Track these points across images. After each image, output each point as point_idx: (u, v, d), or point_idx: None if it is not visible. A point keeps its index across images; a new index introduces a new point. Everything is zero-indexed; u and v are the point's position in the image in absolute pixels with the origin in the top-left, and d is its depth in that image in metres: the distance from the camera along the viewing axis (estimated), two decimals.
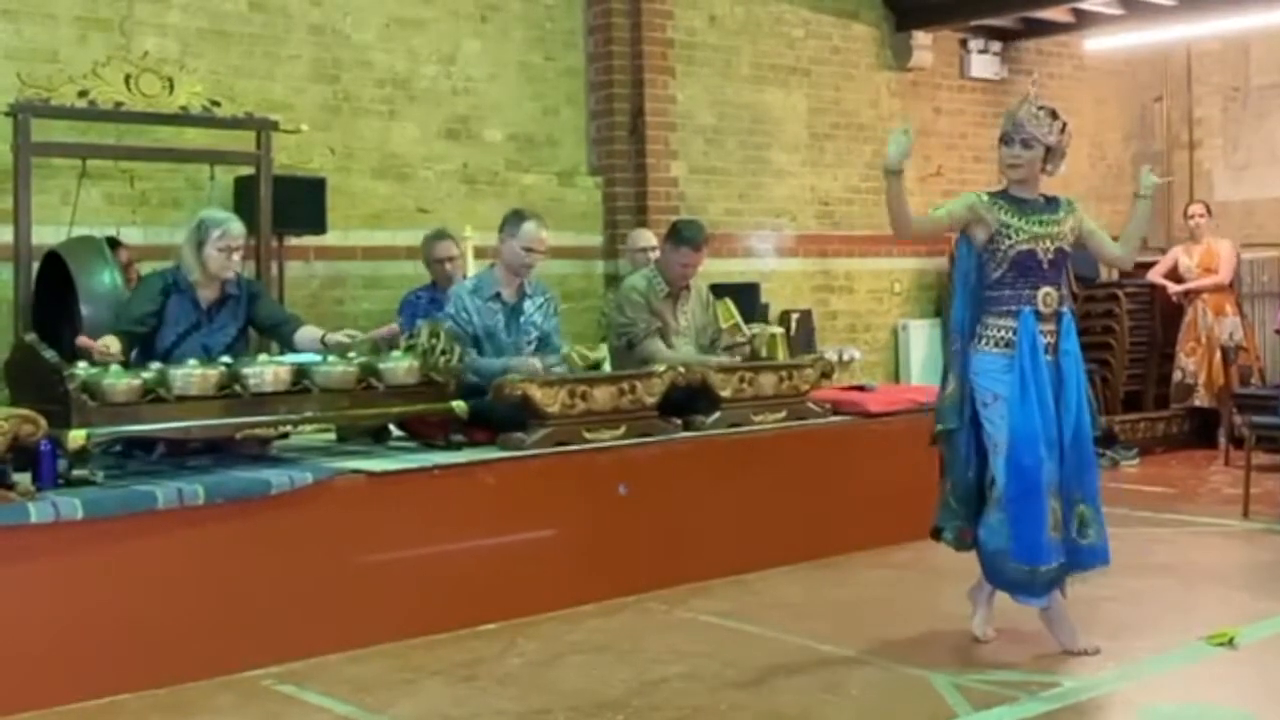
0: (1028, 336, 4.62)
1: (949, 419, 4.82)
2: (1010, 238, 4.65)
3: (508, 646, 4.95)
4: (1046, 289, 4.67)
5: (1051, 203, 4.77)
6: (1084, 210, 4.87)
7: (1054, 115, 4.72)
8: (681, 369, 5.98)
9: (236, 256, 5.37)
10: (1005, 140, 4.69)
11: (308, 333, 5.50)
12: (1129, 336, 9.82)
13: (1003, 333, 4.66)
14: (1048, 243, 4.66)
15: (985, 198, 4.71)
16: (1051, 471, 4.59)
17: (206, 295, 5.40)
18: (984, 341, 4.70)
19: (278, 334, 5.60)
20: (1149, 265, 10.10)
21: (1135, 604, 4.66)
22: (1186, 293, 9.85)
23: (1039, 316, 4.65)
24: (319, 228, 6.88)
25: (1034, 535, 4.61)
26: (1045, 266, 4.66)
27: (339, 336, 5.41)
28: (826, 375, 6.67)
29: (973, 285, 4.75)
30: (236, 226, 5.38)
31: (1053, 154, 4.70)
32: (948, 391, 4.83)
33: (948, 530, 4.94)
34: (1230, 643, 4.82)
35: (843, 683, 4.48)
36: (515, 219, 5.97)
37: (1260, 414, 7.48)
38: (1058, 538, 4.61)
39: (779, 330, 7.00)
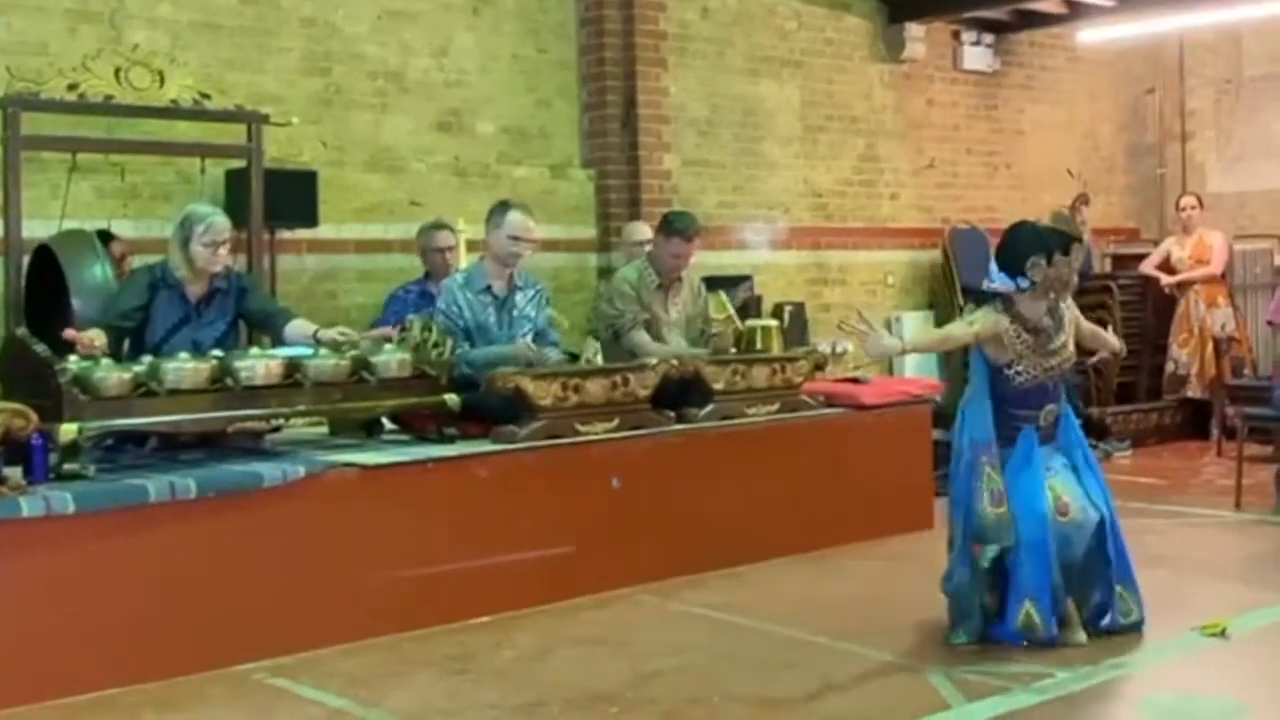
0: (1023, 451, 4.75)
1: (1004, 536, 4.70)
2: (1021, 373, 4.75)
3: (500, 640, 4.94)
4: (1050, 407, 4.81)
5: (1057, 317, 4.81)
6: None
7: None
8: (674, 362, 5.98)
9: (223, 251, 5.35)
10: (1076, 278, 4.84)
11: (298, 326, 5.48)
12: (1122, 328, 9.77)
13: (1008, 444, 4.77)
14: (1054, 372, 4.79)
15: (1008, 323, 4.74)
16: (1031, 575, 4.64)
17: (195, 290, 5.39)
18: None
19: (269, 327, 5.59)
20: (1142, 257, 10.11)
21: None
22: (1179, 284, 9.88)
23: (1039, 429, 4.79)
24: (311, 221, 6.85)
25: (1007, 624, 4.72)
26: (1050, 388, 4.80)
27: (332, 334, 5.39)
28: (819, 367, 6.65)
29: (990, 397, 4.79)
30: (221, 221, 5.35)
31: None
32: (996, 510, 4.69)
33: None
34: (1223, 633, 4.83)
35: (836, 675, 4.48)
36: (501, 209, 5.96)
37: (1252, 405, 7.49)
38: (1033, 634, 4.66)
39: (773, 323, 6.98)
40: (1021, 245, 4.73)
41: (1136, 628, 4.76)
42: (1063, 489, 4.71)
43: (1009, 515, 4.66)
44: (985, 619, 4.77)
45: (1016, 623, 4.65)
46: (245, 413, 4.99)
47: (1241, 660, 4.68)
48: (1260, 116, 11.03)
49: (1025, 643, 4.65)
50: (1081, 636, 4.70)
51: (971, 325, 4.81)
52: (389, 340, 5.51)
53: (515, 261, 5.96)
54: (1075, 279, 4.84)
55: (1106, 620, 4.75)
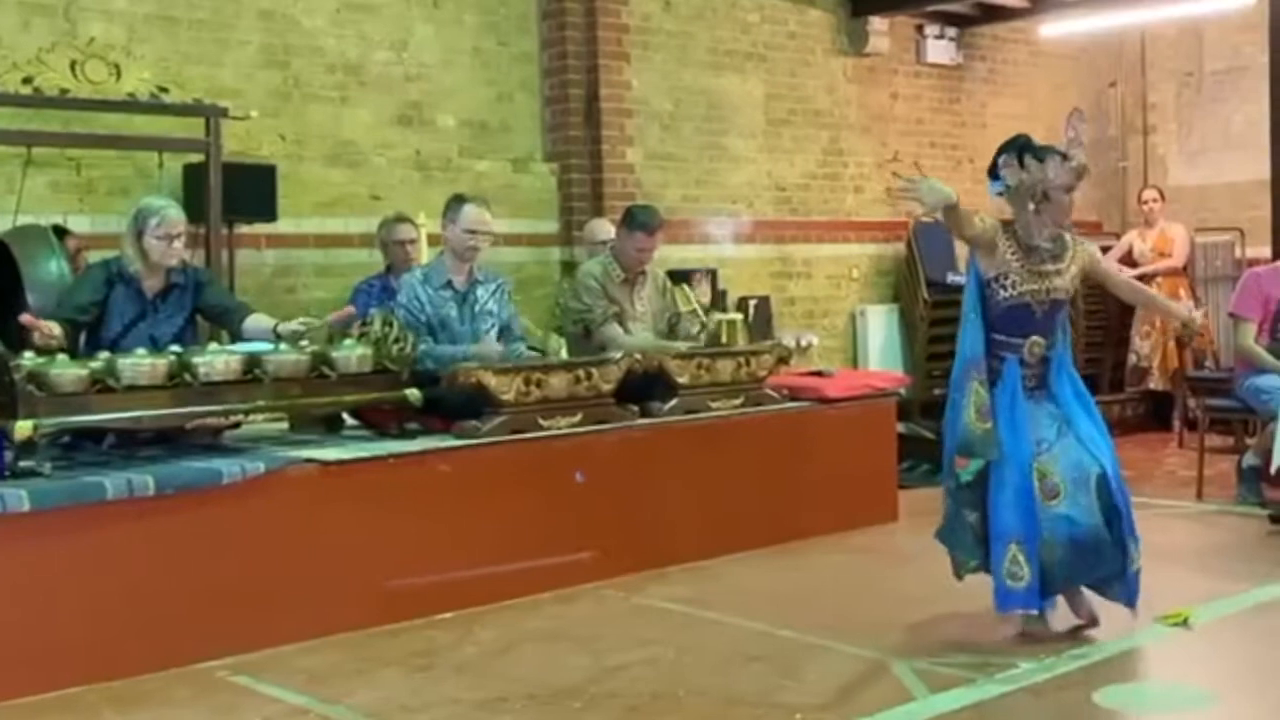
0: (1009, 382, 4.66)
1: (988, 450, 4.66)
2: (1006, 288, 4.67)
3: (464, 635, 4.93)
4: (1035, 338, 4.68)
5: (1063, 248, 4.74)
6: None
7: None
8: (638, 356, 5.96)
9: (178, 244, 5.29)
10: (1068, 190, 4.69)
11: (257, 321, 5.44)
12: (1085, 320, 9.88)
13: (994, 375, 4.70)
14: (1043, 295, 4.68)
15: (1004, 235, 4.69)
16: (1014, 517, 4.59)
17: (151, 285, 5.34)
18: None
19: (226, 321, 5.54)
20: (1105, 250, 10.13)
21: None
22: (1141, 277, 9.91)
23: (1023, 363, 4.69)
24: (270, 215, 6.79)
25: (996, 579, 4.66)
26: (1038, 316, 4.68)
27: (293, 326, 5.34)
28: (784, 361, 6.65)
29: (981, 316, 4.73)
30: (174, 213, 5.30)
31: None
32: (982, 425, 4.63)
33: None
34: (1185, 623, 4.87)
35: (801, 668, 4.48)
36: (455, 204, 5.94)
37: (1213, 397, 7.52)
38: (1019, 587, 4.60)
39: (737, 317, 6.97)
40: (999, 149, 4.74)
41: (1137, 580, 4.69)
42: (1051, 467, 4.60)
43: (994, 432, 4.61)
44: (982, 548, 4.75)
45: (1003, 566, 4.59)
46: (204, 409, 4.94)
47: (1204, 649, 4.72)
48: (1221, 109, 11.09)
49: (1012, 600, 4.60)
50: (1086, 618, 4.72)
51: (982, 220, 4.71)
52: (352, 318, 5.46)
53: (473, 255, 5.93)
54: (1067, 200, 4.69)
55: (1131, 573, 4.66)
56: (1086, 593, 4.77)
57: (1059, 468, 4.60)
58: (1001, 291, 4.67)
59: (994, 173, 4.74)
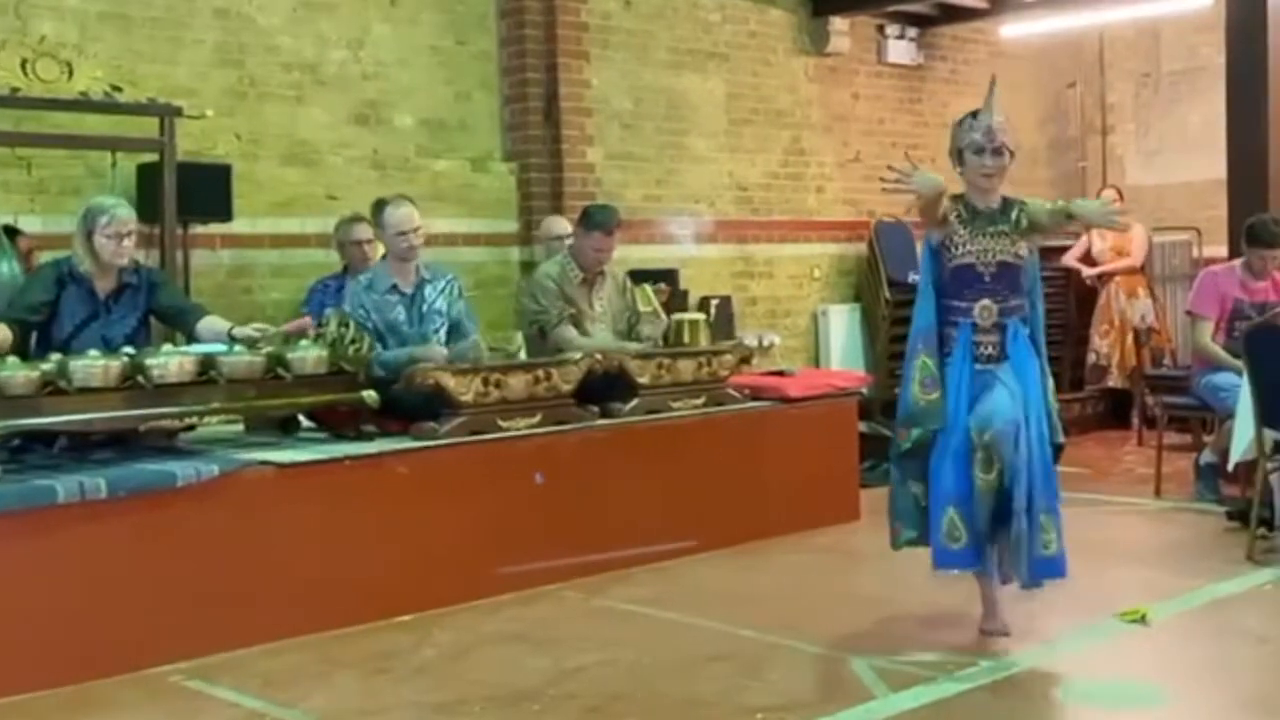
0: (960, 348, 4.62)
1: (932, 420, 4.64)
2: (952, 250, 4.65)
3: (423, 638, 4.89)
4: (985, 302, 4.62)
5: (1007, 209, 4.70)
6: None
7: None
8: (598, 356, 5.93)
9: (128, 243, 5.24)
10: (976, 150, 4.63)
11: (211, 324, 5.39)
12: (1044, 320, 9.88)
13: (949, 344, 4.67)
14: (988, 257, 4.62)
15: (952, 201, 4.67)
16: (954, 481, 4.57)
17: (103, 285, 5.28)
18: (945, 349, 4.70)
19: (180, 323, 5.48)
20: (1064, 249, 10.20)
21: (1051, 583, 4.68)
22: (1100, 276, 9.99)
23: (976, 329, 4.63)
24: (225, 215, 6.73)
25: (934, 539, 4.64)
26: (987, 279, 4.62)
27: (248, 330, 5.30)
28: (745, 361, 6.65)
29: (934, 287, 4.71)
30: (123, 211, 5.24)
31: (1012, 159, 4.70)
32: (927, 396, 4.64)
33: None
34: (1143, 619, 4.88)
35: (762, 668, 4.47)
36: (378, 209, 5.94)
37: (1171, 395, 7.56)
38: (956, 547, 4.58)
39: (699, 316, 6.95)
40: None
41: (1056, 567, 4.56)
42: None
43: (940, 403, 4.60)
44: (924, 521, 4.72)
45: (941, 529, 4.58)
46: (158, 411, 4.89)
47: (1162, 646, 4.73)
48: (1178, 110, 11.16)
49: (949, 558, 4.59)
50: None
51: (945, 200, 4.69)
52: (307, 328, 5.41)
53: (413, 255, 5.87)
54: (978, 160, 4.61)
55: (1026, 551, 4.51)
56: (1002, 602, 4.74)
57: (992, 426, 4.52)
58: (947, 255, 4.66)
59: (1002, 149, 4.69)
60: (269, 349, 5.17)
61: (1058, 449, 4.73)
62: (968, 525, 4.55)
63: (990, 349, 4.64)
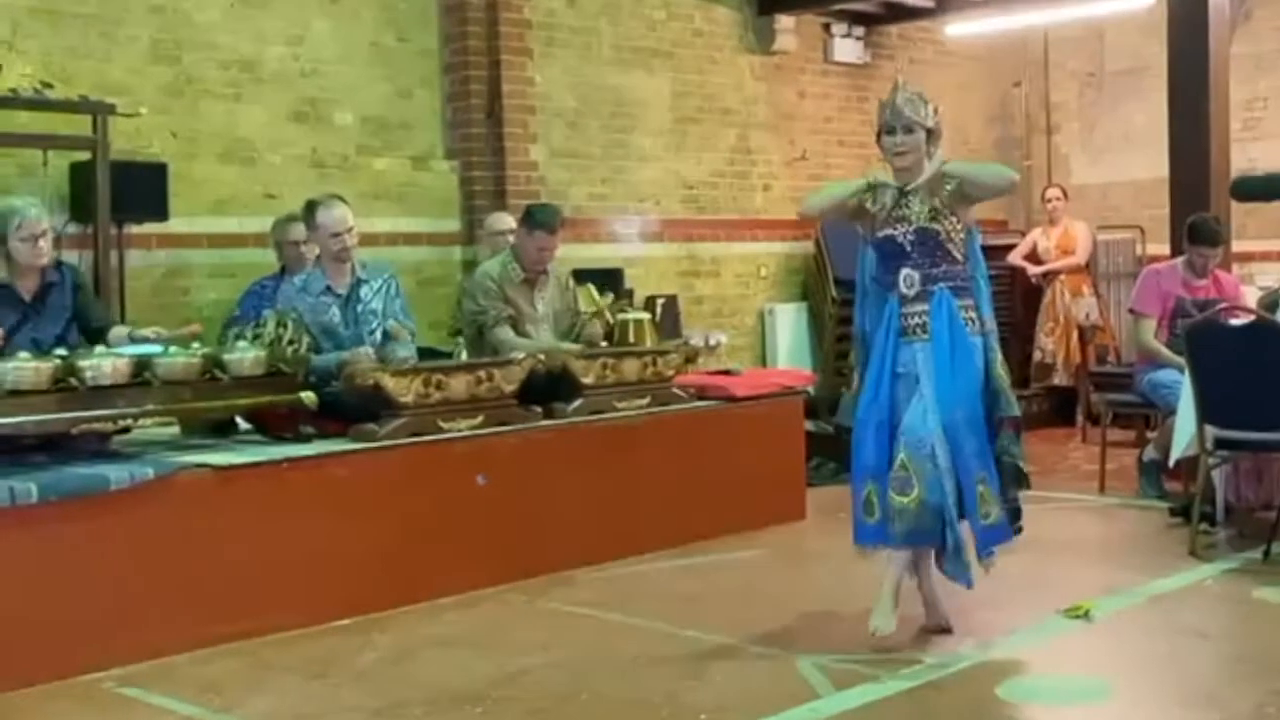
0: (887, 320, 4.63)
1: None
2: (876, 227, 4.66)
3: (363, 642, 4.83)
4: (906, 271, 4.61)
5: (934, 186, 4.65)
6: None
7: (927, 99, 4.68)
8: (541, 356, 5.88)
9: (43, 243, 5.15)
10: (887, 130, 4.63)
11: (118, 333, 5.34)
12: (989, 297, 9.93)
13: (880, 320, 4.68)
14: (905, 226, 4.61)
15: (871, 188, 4.68)
16: (872, 455, 4.57)
17: (27, 286, 5.20)
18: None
19: (91, 334, 5.38)
20: (1010, 248, 10.26)
21: (994, 580, 4.68)
22: (1045, 274, 10.05)
23: (903, 299, 4.62)
24: (161, 215, 6.65)
25: (854, 512, 4.65)
26: (908, 249, 4.61)
27: (145, 333, 5.24)
28: (691, 360, 6.62)
29: (872, 283, 4.74)
30: (34, 212, 5.16)
31: (933, 137, 4.66)
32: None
33: None
34: (1086, 615, 4.90)
35: (706, 668, 4.44)
36: (309, 212, 5.81)
37: (1116, 392, 7.61)
38: (872, 522, 4.58)
39: (645, 316, 6.92)
40: None
41: (996, 532, 4.52)
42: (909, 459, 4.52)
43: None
44: None
45: (860, 502, 4.60)
46: (91, 414, 4.79)
47: (1105, 641, 4.75)
48: (1122, 109, 11.25)
49: (865, 530, 4.59)
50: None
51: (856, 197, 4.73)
52: (197, 335, 5.36)
53: (347, 256, 5.78)
54: (889, 140, 4.62)
55: (973, 525, 4.51)
56: (942, 599, 4.74)
57: (904, 438, 4.53)
58: (870, 235, 4.70)
59: (911, 127, 4.67)
60: (205, 350, 5.12)
61: (1007, 421, 4.69)
62: (880, 501, 4.56)
63: (917, 319, 4.60)
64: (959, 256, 4.64)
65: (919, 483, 4.47)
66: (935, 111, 4.69)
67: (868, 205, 4.68)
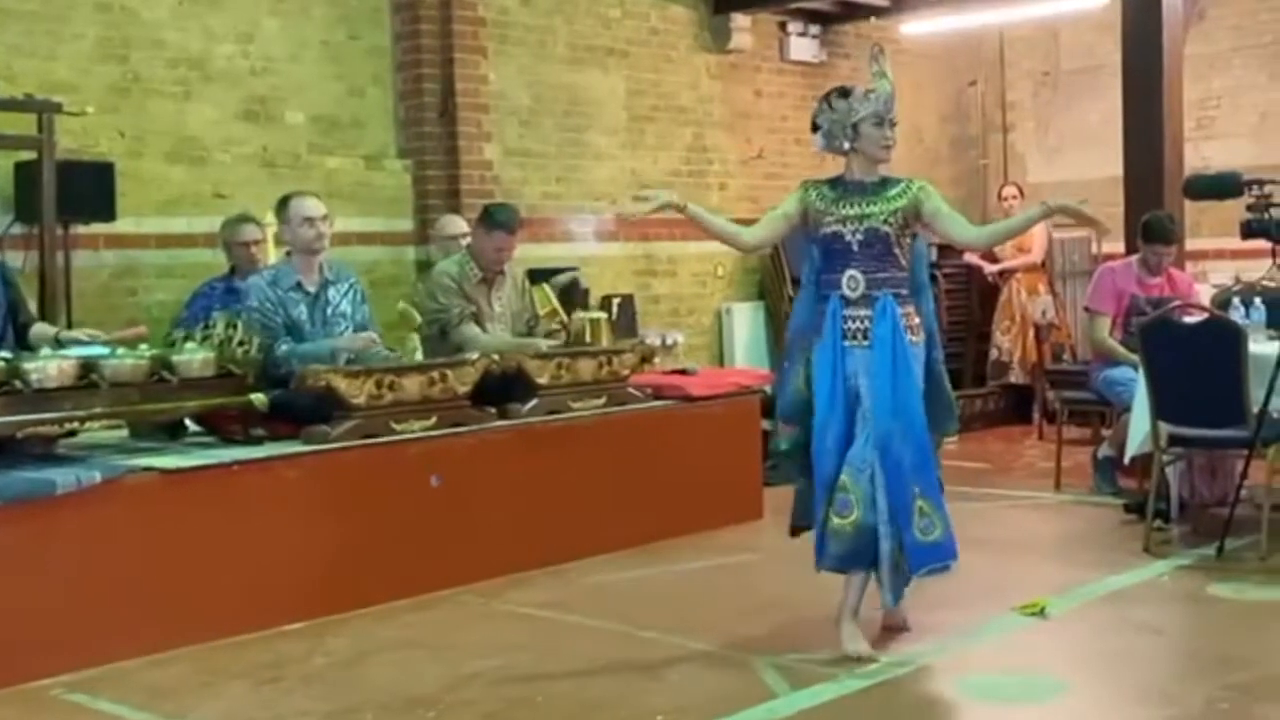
0: (829, 324, 4.51)
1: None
2: (820, 223, 4.54)
3: (315, 645, 4.78)
4: (851, 272, 4.49)
5: (886, 184, 4.57)
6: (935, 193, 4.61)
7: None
8: (495, 356, 5.84)
9: None
10: (878, 122, 4.52)
11: (41, 330, 5.26)
12: (947, 316, 9.98)
13: (820, 320, 4.55)
14: (855, 224, 4.49)
15: (807, 188, 4.60)
16: (833, 468, 4.45)
17: None
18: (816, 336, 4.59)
19: (17, 331, 5.30)
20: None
21: (950, 578, 4.65)
22: (1001, 272, 10.10)
23: (846, 302, 4.50)
24: (108, 215, 6.57)
25: (819, 530, 4.52)
26: (855, 249, 4.49)
27: (76, 335, 5.16)
28: (647, 360, 6.58)
29: (814, 281, 4.62)
30: None
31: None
32: (808, 393, 4.57)
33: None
34: (1041, 612, 4.91)
35: (663, 669, 4.42)
36: (283, 203, 5.77)
37: (1071, 389, 7.63)
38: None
39: (601, 315, 6.88)
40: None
41: (939, 551, 4.42)
42: (850, 480, 4.42)
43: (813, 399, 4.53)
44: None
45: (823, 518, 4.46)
46: (36, 417, 4.70)
47: (1060, 638, 4.75)
48: (1077, 107, 11.31)
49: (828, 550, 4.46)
50: (856, 648, 4.46)
51: (784, 209, 4.66)
52: (142, 338, 5.27)
53: (321, 246, 5.74)
54: (878, 133, 4.51)
55: (906, 539, 4.36)
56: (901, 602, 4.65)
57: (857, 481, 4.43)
58: (816, 230, 4.56)
59: (813, 126, 4.64)
60: (154, 351, 5.04)
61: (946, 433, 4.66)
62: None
63: (858, 324, 4.49)
64: (904, 263, 4.55)
65: (858, 505, 4.38)
66: None
67: (806, 205, 4.58)
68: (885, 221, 4.49)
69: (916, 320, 4.57)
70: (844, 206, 4.53)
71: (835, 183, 4.61)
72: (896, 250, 4.53)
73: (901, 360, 4.47)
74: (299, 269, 5.74)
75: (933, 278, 9.62)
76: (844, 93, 4.61)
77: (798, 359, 4.64)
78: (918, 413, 4.47)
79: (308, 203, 5.72)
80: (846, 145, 4.57)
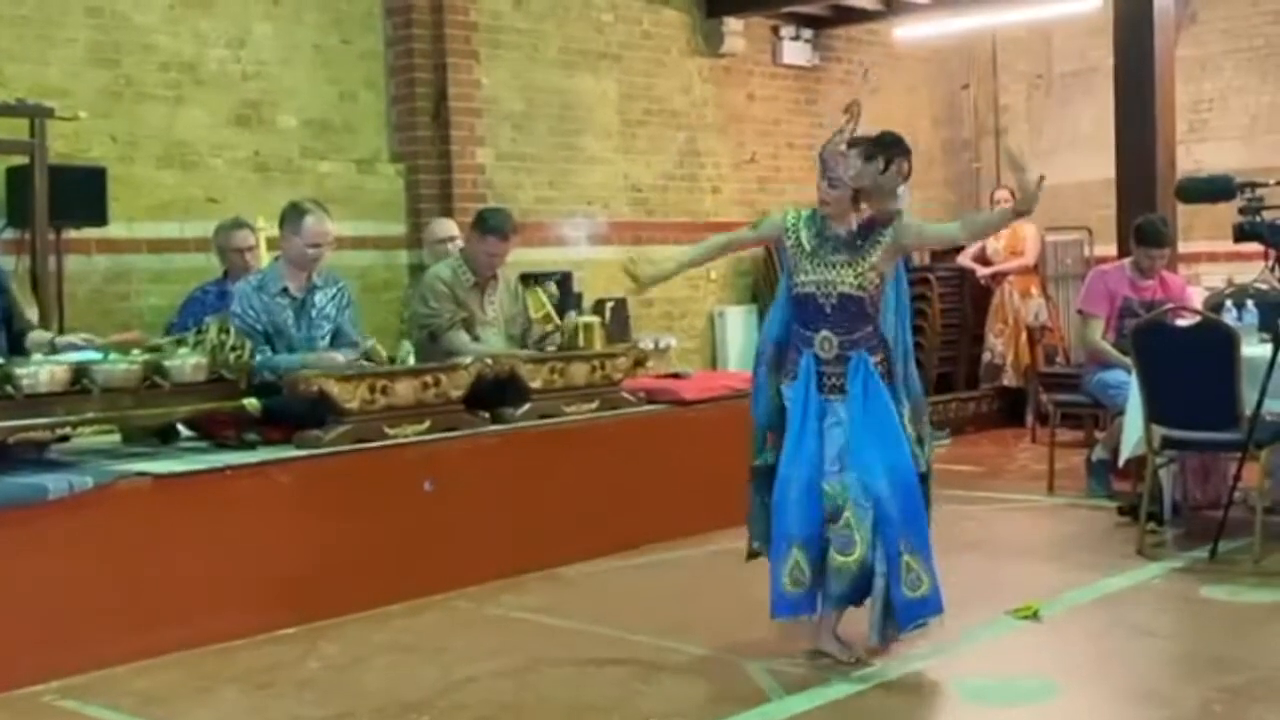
0: (803, 377, 4.45)
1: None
2: (796, 277, 4.48)
3: (308, 650, 4.77)
4: (825, 333, 4.42)
5: (864, 237, 4.43)
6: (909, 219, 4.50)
7: (871, 155, 4.38)
8: (488, 361, 5.84)
9: None
10: (821, 174, 4.46)
11: (37, 337, 5.23)
12: (940, 319, 10.01)
13: (793, 366, 4.51)
14: (829, 288, 4.41)
15: (792, 220, 4.53)
16: (799, 520, 4.40)
17: None
18: (784, 373, 4.55)
19: (13, 337, 5.28)
20: (959, 250, 10.28)
21: (944, 581, 4.64)
22: (994, 275, 10.10)
23: (819, 359, 4.45)
24: (100, 219, 6.56)
25: (775, 582, 4.46)
26: (828, 311, 4.42)
27: (72, 339, 5.14)
28: (640, 364, 6.58)
29: (788, 304, 4.56)
30: None
31: (871, 193, 4.42)
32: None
33: None
34: (1035, 615, 4.91)
35: (656, 672, 4.42)
36: (295, 215, 5.72)
37: (1064, 392, 7.63)
38: (798, 592, 4.41)
39: (594, 319, 6.89)
40: (853, 138, 4.49)
41: (926, 609, 4.37)
42: (840, 492, 4.37)
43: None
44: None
45: (785, 568, 4.40)
46: (28, 422, 4.68)
47: (1053, 641, 4.76)
48: (1069, 111, 11.33)
49: (785, 602, 4.40)
50: (843, 654, 4.44)
51: (754, 228, 4.71)
52: (139, 342, 5.26)
53: (314, 265, 5.74)
54: (825, 171, 4.42)
55: (895, 595, 4.35)
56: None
57: (849, 494, 4.37)
58: (792, 280, 4.51)
59: (835, 183, 4.44)
60: (146, 356, 5.01)
61: (922, 478, 4.48)
62: (810, 567, 4.40)
63: (834, 380, 4.44)
64: (876, 314, 4.46)
65: (861, 544, 4.33)
66: (885, 167, 4.42)
67: (785, 241, 4.51)
68: (859, 287, 4.40)
69: (886, 367, 4.48)
70: (818, 267, 4.42)
71: (818, 226, 4.49)
72: (870, 309, 4.45)
73: (883, 413, 4.40)
74: (288, 275, 5.73)
75: (925, 280, 9.79)
76: (889, 153, 4.44)
77: (769, 376, 4.58)
78: (907, 466, 4.39)
79: (320, 228, 5.69)
80: (851, 194, 4.46)
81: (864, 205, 4.45)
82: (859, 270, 4.41)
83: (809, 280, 4.44)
